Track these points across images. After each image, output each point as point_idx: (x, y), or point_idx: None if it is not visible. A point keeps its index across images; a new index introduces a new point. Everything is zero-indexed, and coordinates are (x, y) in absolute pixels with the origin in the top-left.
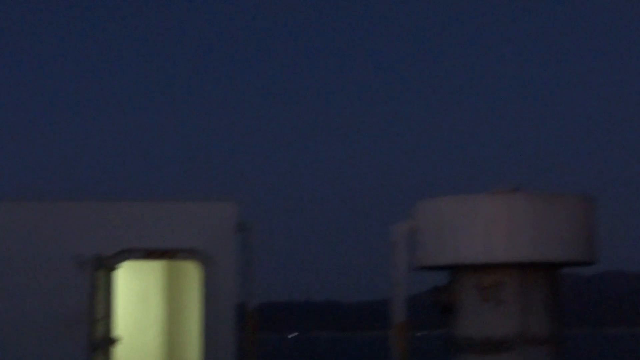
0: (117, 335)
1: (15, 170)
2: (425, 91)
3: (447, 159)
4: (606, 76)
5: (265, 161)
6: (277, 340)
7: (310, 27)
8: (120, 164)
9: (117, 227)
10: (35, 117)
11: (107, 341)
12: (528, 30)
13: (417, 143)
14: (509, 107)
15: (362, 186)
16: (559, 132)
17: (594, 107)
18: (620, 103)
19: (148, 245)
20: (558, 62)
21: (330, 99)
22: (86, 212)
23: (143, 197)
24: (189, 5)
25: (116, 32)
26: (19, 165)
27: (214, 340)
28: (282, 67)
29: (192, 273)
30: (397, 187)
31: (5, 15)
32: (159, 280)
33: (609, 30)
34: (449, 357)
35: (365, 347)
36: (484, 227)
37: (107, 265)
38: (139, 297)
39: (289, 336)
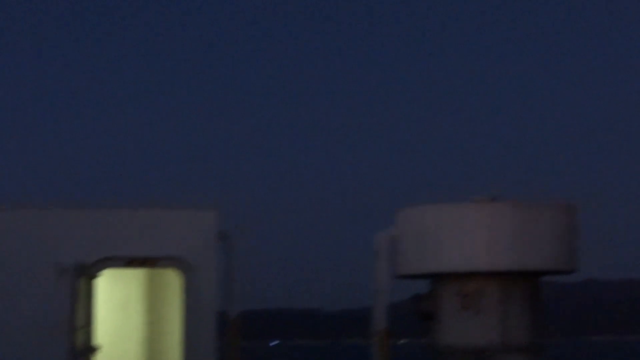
0: (98, 343)
1: None
2: (407, 99)
3: (428, 167)
4: (586, 86)
5: (247, 168)
6: (259, 348)
7: (294, 44)
8: (100, 171)
9: (98, 235)
10: (9, 124)
11: (88, 350)
12: (508, 37)
13: (399, 151)
14: (491, 116)
15: (344, 194)
16: (539, 140)
17: (574, 115)
18: (601, 112)
19: (129, 253)
20: (538, 71)
21: (314, 106)
22: (67, 219)
23: (124, 205)
24: (166, 17)
25: (92, 40)
26: None
27: (196, 348)
28: (264, 73)
29: (173, 281)
30: (378, 195)
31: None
32: (139, 288)
33: (594, 39)
34: None
35: (347, 355)
36: (465, 235)
37: (88, 273)
38: (119, 306)
39: (271, 344)
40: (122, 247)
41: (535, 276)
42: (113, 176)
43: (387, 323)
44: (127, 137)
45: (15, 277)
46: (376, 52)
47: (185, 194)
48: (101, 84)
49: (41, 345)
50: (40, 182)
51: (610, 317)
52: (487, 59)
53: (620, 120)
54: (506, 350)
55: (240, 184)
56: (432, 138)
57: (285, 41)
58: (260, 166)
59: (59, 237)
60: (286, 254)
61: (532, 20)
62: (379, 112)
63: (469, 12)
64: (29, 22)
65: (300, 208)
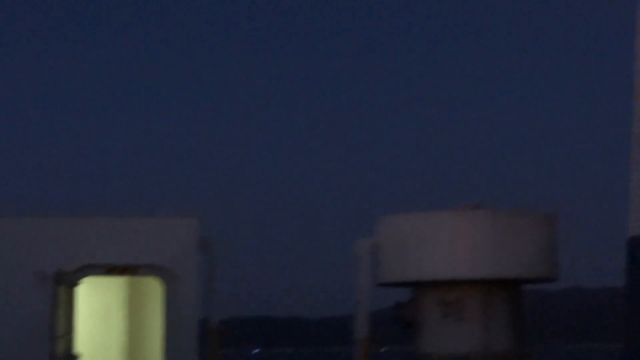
0: (78, 352)
1: None
2: (388, 107)
3: (410, 175)
4: (567, 94)
5: (228, 175)
6: (240, 356)
7: (274, 53)
8: (80, 180)
9: (78, 243)
10: None
11: (68, 358)
12: (487, 45)
13: (380, 159)
14: (473, 124)
15: (326, 201)
16: (521, 148)
17: (556, 124)
18: (584, 120)
19: (109, 261)
20: (519, 79)
21: (295, 114)
22: (47, 227)
23: (104, 213)
24: (147, 31)
25: (66, 49)
26: None
27: (177, 357)
28: (245, 82)
29: (154, 289)
30: (360, 203)
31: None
32: (120, 296)
33: (572, 50)
34: None
35: None
36: (446, 243)
37: (68, 281)
38: (100, 314)
39: (253, 352)
40: (102, 255)
41: (517, 284)
42: (93, 184)
43: (369, 331)
44: (107, 145)
45: None
46: (357, 62)
47: (166, 202)
48: (80, 93)
49: (22, 354)
50: (19, 191)
51: (593, 325)
52: (468, 67)
53: (602, 129)
54: (488, 358)
55: (221, 192)
56: (413, 146)
57: (263, 51)
58: (241, 174)
59: (39, 245)
60: (268, 261)
61: (509, 30)
62: (360, 120)
63: (452, 25)
64: (24, 27)
65: (282, 215)
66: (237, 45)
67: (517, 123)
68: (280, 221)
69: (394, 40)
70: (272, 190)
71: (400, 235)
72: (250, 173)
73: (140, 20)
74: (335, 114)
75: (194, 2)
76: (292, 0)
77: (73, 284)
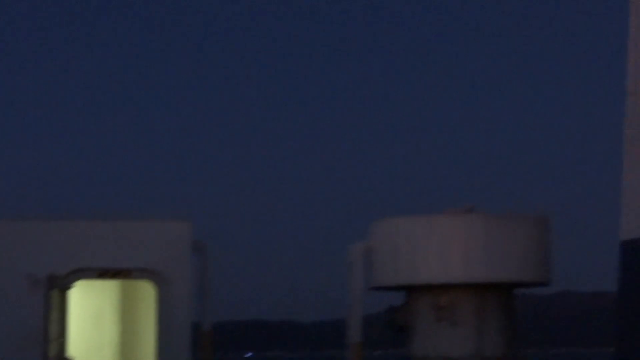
0: (71, 355)
1: None
2: (381, 112)
3: (403, 178)
4: (560, 99)
5: (221, 179)
6: (233, 359)
7: (267, 58)
8: (73, 183)
9: (70, 246)
10: None
11: None
12: (479, 49)
13: (373, 163)
14: (465, 128)
15: (319, 205)
16: (513, 152)
17: (549, 128)
18: (576, 124)
19: (102, 265)
20: (511, 83)
21: (288, 118)
22: (39, 231)
23: (97, 216)
24: (137, 35)
25: (53, 54)
26: None
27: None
28: (235, 85)
29: (147, 292)
30: (353, 207)
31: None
32: (113, 299)
33: (564, 54)
34: None
35: None
36: (439, 247)
37: (60, 284)
38: (93, 317)
39: (245, 356)
40: (95, 259)
41: (509, 288)
42: (86, 187)
43: (362, 334)
44: (100, 149)
45: None
46: (350, 70)
47: (159, 205)
48: (72, 98)
49: (15, 357)
50: (11, 194)
51: (585, 329)
52: (460, 74)
53: (594, 133)
54: None
55: (215, 196)
56: (406, 151)
57: (256, 57)
58: (235, 178)
59: (32, 248)
60: (261, 265)
61: (501, 34)
62: (353, 125)
63: (443, 29)
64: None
65: (276, 220)
66: (229, 52)
67: (509, 127)
68: (273, 225)
69: (387, 49)
70: (265, 194)
71: (393, 239)
72: (244, 177)
73: (134, 24)
74: (328, 119)
75: (191, 2)
76: (291, 1)
77: (65, 287)
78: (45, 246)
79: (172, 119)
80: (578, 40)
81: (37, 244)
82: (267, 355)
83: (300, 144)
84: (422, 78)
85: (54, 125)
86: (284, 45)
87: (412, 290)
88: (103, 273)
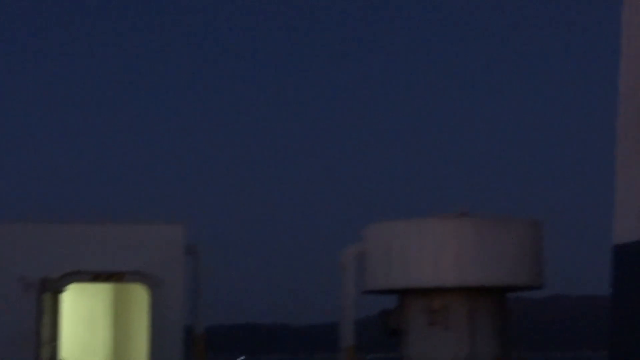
0: (64, 358)
1: None
2: (374, 116)
3: (397, 182)
4: (552, 103)
5: (214, 183)
6: None
7: (261, 61)
8: (67, 186)
9: (63, 250)
10: None
11: None
12: (472, 53)
13: (366, 166)
14: (458, 132)
15: (312, 209)
16: (506, 156)
17: (541, 131)
18: (569, 128)
19: (95, 268)
20: (503, 86)
21: (280, 123)
22: (32, 234)
23: (90, 220)
24: (133, 38)
25: (51, 57)
26: None
27: None
28: (229, 88)
29: (140, 295)
30: (346, 211)
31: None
32: (106, 302)
33: (559, 57)
34: None
35: None
36: (432, 251)
37: (53, 288)
38: (86, 320)
39: (237, 359)
40: (88, 262)
41: (502, 292)
42: (80, 191)
43: (355, 338)
44: (94, 152)
45: None
46: (342, 68)
47: (153, 208)
48: (66, 101)
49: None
50: (4, 197)
51: (578, 333)
52: (452, 78)
53: (587, 138)
54: None
55: (208, 199)
56: (399, 154)
57: (252, 61)
58: (228, 181)
59: (25, 251)
60: (254, 268)
61: (495, 37)
62: (345, 128)
63: (440, 35)
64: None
65: (269, 223)
66: (228, 54)
67: (503, 132)
68: (266, 229)
69: (382, 52)
70: (259, 198)
71: (386, 242)
72: (238, 181)
73: (134, 24)
74: (322, 123)
75: (191, 2)
76: (290, 1)
77: (58, 290)
78: (39, 249)
79: (166, 122)
80: (573, 45)
81: (30, 247)
82: (261, 358)
83: (294, 148)
84: (417, 82)
85: (48, 128)
86: (276, 47)
87: (405, 293)
88: (96, 276)
